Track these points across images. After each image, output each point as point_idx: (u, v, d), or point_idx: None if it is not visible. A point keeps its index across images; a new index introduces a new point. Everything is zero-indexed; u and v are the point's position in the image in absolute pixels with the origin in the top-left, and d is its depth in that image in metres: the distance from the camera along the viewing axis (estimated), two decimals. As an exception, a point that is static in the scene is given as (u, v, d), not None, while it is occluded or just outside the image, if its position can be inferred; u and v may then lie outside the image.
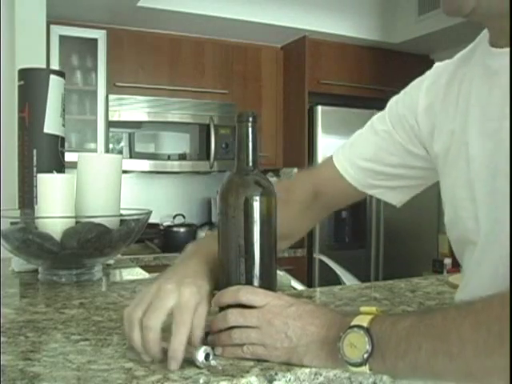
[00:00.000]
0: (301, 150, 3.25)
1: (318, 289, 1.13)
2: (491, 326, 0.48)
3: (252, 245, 0.66)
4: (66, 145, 1.35)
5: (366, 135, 0.85)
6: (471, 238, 0.69)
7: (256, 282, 0.66)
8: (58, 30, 2.85)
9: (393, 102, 0.83)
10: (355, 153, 0.85)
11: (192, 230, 3.20)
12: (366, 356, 0.55)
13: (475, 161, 0.66)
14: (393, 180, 0.84)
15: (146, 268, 1.41)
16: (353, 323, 0.57)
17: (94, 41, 2.95)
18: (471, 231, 0.68)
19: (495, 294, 0.51)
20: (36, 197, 1.11)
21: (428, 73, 0.79)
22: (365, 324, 0.56)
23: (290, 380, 0.59)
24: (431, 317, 0.54)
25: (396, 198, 0.87)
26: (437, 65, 0.79)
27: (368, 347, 0.55)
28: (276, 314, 0.61)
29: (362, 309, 0.60)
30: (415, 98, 0.78)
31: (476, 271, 0.69)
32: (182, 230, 3.17)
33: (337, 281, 1.45)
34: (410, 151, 0.79)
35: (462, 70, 0.74)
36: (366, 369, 0.56)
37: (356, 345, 0.56)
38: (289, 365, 0.60)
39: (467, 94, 0.69)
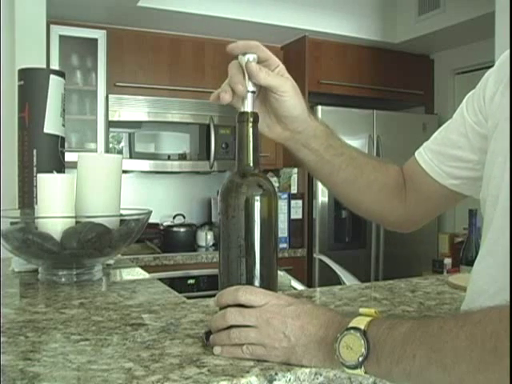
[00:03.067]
0: (301, 150, 3.25)
1: (318, 289, 1.13)
2: (486, 340, 0.47)
3: (252, 245, 0.66)
4: (66, 145, 1.35)
5: (444, 125, 0.84)
6: (490, 215, 0.69)
7: (256, 283, 0.66)
8: (57, 30, 2.85)
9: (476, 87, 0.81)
10: (431, 139, 0.85)
11: (192, 230, 3.20)
12: (361, 359, 0.55)
13: None
14: (467, 169, 0.80)
15: (145, 268, 1.41)
16: (350, 325, 0.57)
17: (94, 41, 2.95)
18: (492, 208, 0.68)
19: (494, 306, 0.50)
20: (36, 197, 1.11)
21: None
22: (362, 326, 0.56)
23: (289, 380, 0.59)
24: (428, 324, 0.53)
25: (476, 191, 0.80)
26: None
27: (363, 350, 0.55)
28: (275, 314, 0.61)
29: (361, 310, 0.60)
30: (487, 75, 0.76)
31: (489, 251, 0.69)
32: (181, 229, 3.18)
33: (337, 281, 1.45)
34: (479, 132, 0.76)
35: None
36: (361, 371, 0.56)
37: (352, 347, 0.55)
38: (289, 365, 0.60)
39: None
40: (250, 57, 0.73)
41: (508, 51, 0.74)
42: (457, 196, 0.84)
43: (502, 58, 0.75)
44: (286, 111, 0.77)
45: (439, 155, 0.82)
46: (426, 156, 0.84)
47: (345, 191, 0.88)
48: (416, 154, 0.87)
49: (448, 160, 0.81)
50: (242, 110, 0.70)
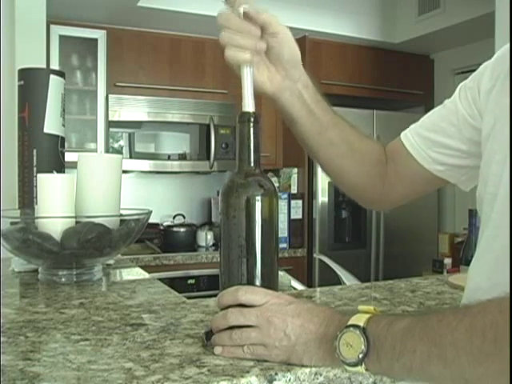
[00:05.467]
0: (301, 150, 3.24)
1: (318, 289, 1.13)
2: (486, 331, 0.47)
3: (253, 245, 0.66)
4: (66, 145, 1.35)
5: (434, 109, 0.85)
6: (488, 212, 0.69)
7: (257, 282, 0.66)
8: (57, 30, 2.85)
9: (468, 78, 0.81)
10: (419, 123, 0.86)
11: (192, 230, 3.20)
12: (361, 356, 0.55)
13: None
14: (453, 157, 0.81)
15: (145, 268, 1.41)
16: (350, 322, 0.57)
17: (94, 41, 2.95)
18: (490, 206, 0.68)
19: (493, 299, 0.50)
20: (36, 197, 1.11)
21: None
22: (361, 324, 0.56)
23: (289, 380, 0.59)
24: (427, 319, 0.53)
25: (460, 179, 0.83)
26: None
27: (363, 347, 0.55)
28: (275, 312, 0.61)
29: (360, 308, 0.60)
30: (482, 68, 0.77)
31: (486, 248, 0.69)
32: (181, 229, 3.18)
33: (337, 281, 1.45)
34: (471, 123, 0.77)
35: None
36: (361, 369, 0.56)
37: (352, 344, 0.55)
38: (289, 365, 0.60)
39: None
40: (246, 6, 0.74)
41: (507, 46, 0.74)
42: (439, 181, 0.85)
43: (499, 53, 0.75)
44: (289, 53, 0.80)
45: (427, 140, 0.82)
46: (414, 140, 0.84)
47: (329, 155, 0.88)
48: (402, 136, 0.87)
49: (436, 146, 0.81)
50: (244, 109, 0.71)
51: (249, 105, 0.71)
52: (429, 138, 0.82)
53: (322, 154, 0.89)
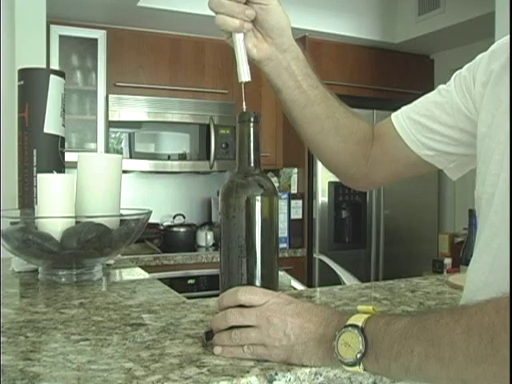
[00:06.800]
0: (301, 150, 3.25)
1: (318, 289, 1.13)
2: (483, 332, 0.47)
3: (253, 245, 0.66)
4: (66, 145, 1.35)
5: (428, 95, 0.84)
6: (486, 212, 0.69)
7: (257, 283, 0.66)
8: (57, 30, 2.85)
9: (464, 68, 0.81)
10: (411, 107, 0.85)
11: (192, 230, 3.20)
12: (359, 356, 0.55)
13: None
14: (443, 144, 0.80)
15: (146, 268, 1.41)
16: (348, 322, 0.57)
17: (94, 41, 2.95)
18: (488, 206, 0.68)
19: (490, 299, 0.50)
20: (36, 197, 1.11)
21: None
22: (360, 323, 0.56)
23: (289, 380, 0.59)
24: (425, 319, 0.53)
25: (448, 165, 0.82)
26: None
27: (361, 347, 0.55)
28: (275, 312, 0.61)
29: (359, 307, 0.60)
30: (478, 60, 0.77)
31: (484, 248, 0.68)
32: (182, 229, 3.18)
33: (337, 281, 1.45)
34: (465, 113, 0.76)
35: None
36: (359, 369, 0.56)
37: (350, 344, 0.55)
38: (289, 365, 0.60)
39: None
40: None
41: (502, 39, 0.74)
42: (425, 166, 0.84)
43: (494, 46, 0.75)
44: (274, 20, 0.78)
45: (418, 125, 0.82)
46: (404, 123, 0.83)
47: (314, 129, 0.87)
48: (392, 117, 0.86)
49: (426, 131, 0.81)
50: (239, 78, 0.70)
51: (244, 73, 0.71)
52: (420, 123, 0.82)
53: (306, 128, 0.87)
